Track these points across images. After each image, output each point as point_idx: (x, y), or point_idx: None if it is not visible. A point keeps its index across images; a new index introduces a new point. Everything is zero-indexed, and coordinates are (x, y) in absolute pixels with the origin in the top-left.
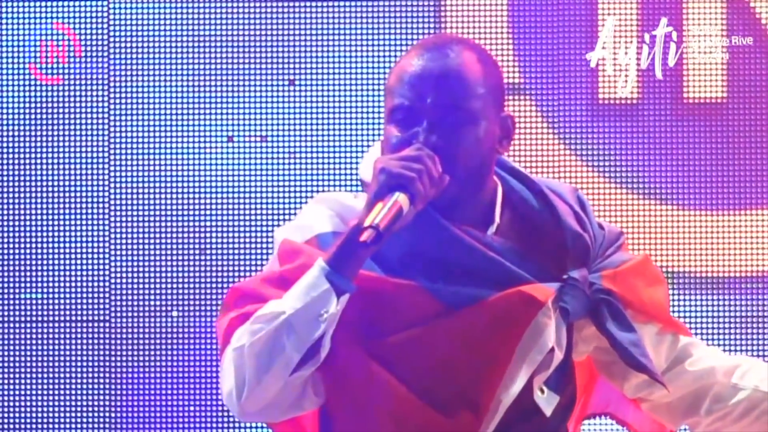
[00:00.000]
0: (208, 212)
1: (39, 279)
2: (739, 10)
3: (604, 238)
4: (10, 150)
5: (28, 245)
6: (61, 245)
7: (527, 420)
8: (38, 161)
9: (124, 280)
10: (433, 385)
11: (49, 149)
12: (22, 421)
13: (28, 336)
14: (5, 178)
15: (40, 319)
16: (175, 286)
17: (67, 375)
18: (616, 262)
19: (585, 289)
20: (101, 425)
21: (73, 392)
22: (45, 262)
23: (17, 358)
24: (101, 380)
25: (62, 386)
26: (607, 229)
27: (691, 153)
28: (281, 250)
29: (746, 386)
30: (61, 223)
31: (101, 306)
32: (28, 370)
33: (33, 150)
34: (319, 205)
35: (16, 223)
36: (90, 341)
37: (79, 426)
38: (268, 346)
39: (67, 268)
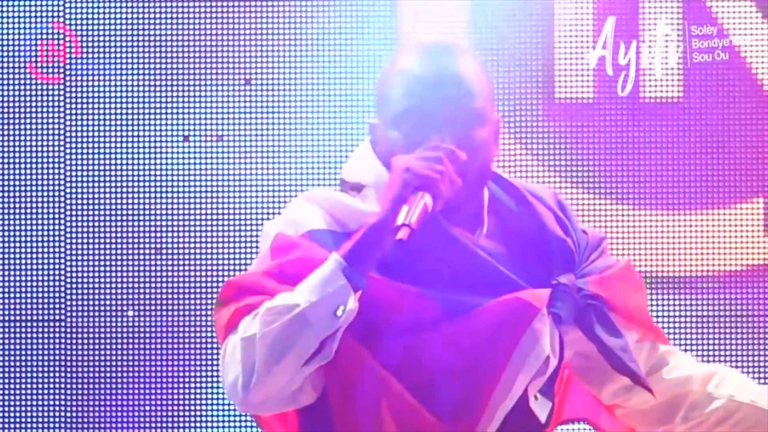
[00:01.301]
0: (163, 212)
1: None
2: (695, 9)
3: (587, 243)
4: None
5: None
6: (15, 244)
7: (521, 426)
8: None
9: (79, 280)
10: (431, 389)
11: (3, 145)
12: None
13: None
14: None
15: None
16: (130, 285)
17: (21, 375)
18: (600, 267)
19: (574, 295)
20: (56, 425)
21: (28, 393)
22: None
23: None
24: (56, 380)
25: (16, 387)
26: (590, 234)
27: (646, 152)
28: (275, 243)
29: (721, 395)
30: (15, 221)
31: (56, 305)
32: None
33: None
34: (309, 203)
35: None
36: (45, 341)
37: (33, 426)
38: (281, 337)
39: (22, 267)
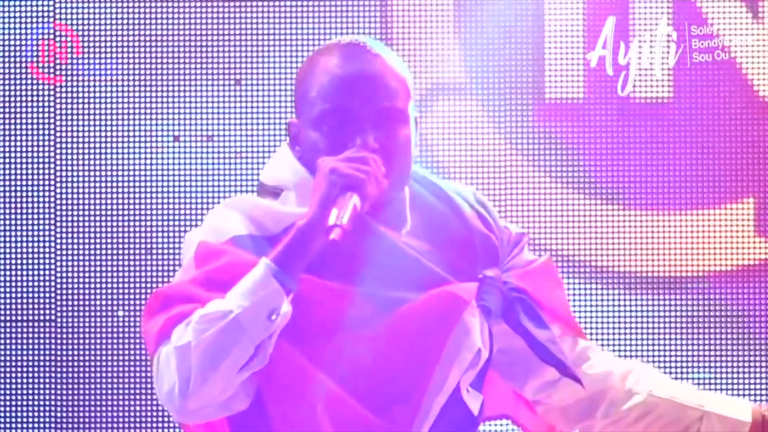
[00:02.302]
0: (154, 212)
1: None
2: (686, 10)
3: (509, 239)
4: None
5: None
6: (5, 244)
7: (454, 419)
8: None
9: (69, 280)
10: (366, 387)
11: None
12: None
13: None
14: None
15: None
16: (120, 285)
17: (12, 375)
18: (522, 262)
19: (501, 287)
20: (46, 425)
21: (18, 392)
22: None
23: None
24: (46, 380)
25: (7, 387)
26: (511, 230)
27: (636, 153)
28: (199, 252)
29: (641, 391)
30: (5, 221)
31: (47, 306)
32: None
33: None
34: (229, 209)
35: None
36: (35, 341)
37: (23, 426)
38: (215, 344)
39: (12, 267)
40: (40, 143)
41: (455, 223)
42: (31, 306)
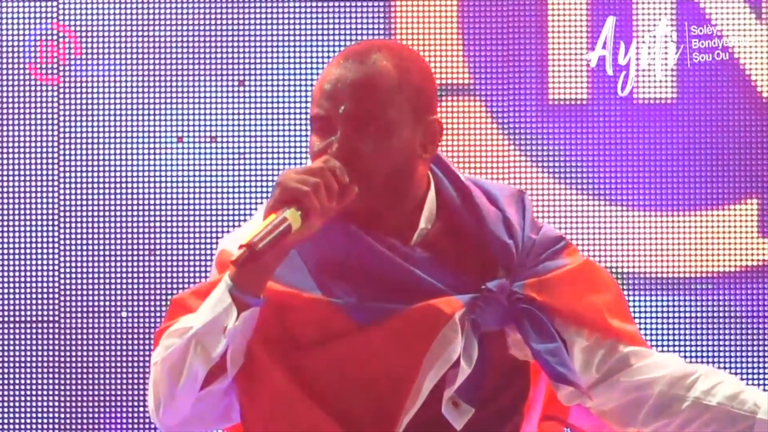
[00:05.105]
0: (156, 213)
1: None
2: (689, 10)
3: (534, 243)
4: None
5: None
6: (9, 244)
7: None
8: None
9: (73, 281)
10: (345, 402)
11: None
12: None
13: None
14: None
15: None
16: (124, 287)
17: (15, 376)
18: (546, 269)
19: (503, 300)
20: (50, 426)
21: (22, 393)
22: None
23: None
24: (50, 381)
25: (10, 387)
26: (541, 234)
27: (640, 154)
28: (218, 260)
29: (689, 397)
30: (8, 222)
31: (50, 307)
32: None
33: None
34: (260, 213)
35: None
36: (39, 342)
37: (27, 427)
38: (177, 361)
39: (16, 268)
40: (43, 145)
41: (474, 227)
42: (34, 307)
